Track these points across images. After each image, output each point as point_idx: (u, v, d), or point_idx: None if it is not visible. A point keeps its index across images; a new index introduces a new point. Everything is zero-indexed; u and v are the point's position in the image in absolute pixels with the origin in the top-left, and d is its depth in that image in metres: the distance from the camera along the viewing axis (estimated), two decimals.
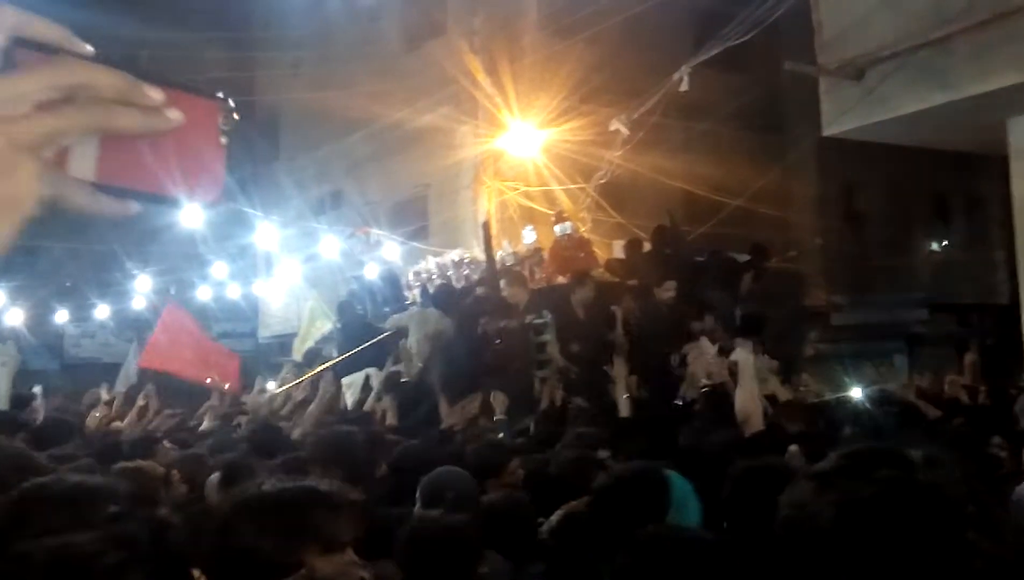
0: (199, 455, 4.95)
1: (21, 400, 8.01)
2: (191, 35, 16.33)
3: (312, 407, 6.99)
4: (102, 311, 17.43)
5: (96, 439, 6.76)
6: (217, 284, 16.10)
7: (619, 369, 6.12)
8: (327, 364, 9.24)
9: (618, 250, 12.26)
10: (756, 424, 3.23)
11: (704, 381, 5.54)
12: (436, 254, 12.61)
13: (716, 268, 10.21)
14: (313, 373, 9.03)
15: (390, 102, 14.08)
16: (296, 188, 17.09)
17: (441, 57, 13.76)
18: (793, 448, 3.85)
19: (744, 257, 10.98)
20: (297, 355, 12.41)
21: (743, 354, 3.67)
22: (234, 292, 16.52)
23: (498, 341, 8.08)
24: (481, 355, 7.99)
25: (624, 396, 5.98)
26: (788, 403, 5.69)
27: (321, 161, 17.28)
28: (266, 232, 13.64)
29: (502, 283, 9.30)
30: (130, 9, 15.85)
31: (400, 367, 8.35)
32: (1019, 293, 10.02)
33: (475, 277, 10.71)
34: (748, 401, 3.29)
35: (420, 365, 8.35)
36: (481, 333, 8.26)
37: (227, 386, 9.62)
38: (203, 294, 16.48)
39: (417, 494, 3.36)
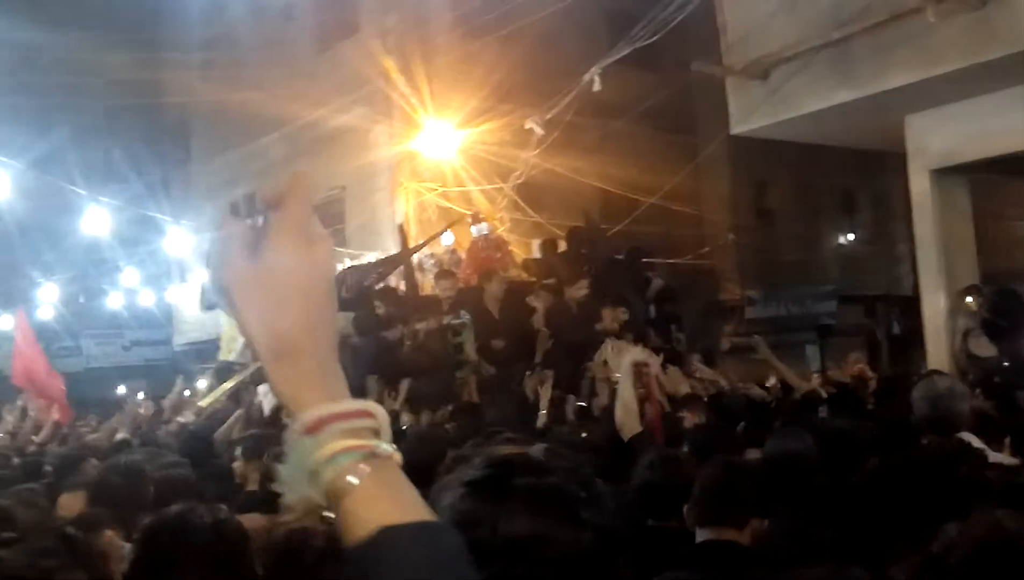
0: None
1: None
2: (94, 36, 15.83)
3: (237, 415, 6.91)
4: (5, 321, 16.79)
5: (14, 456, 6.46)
6: (128, 291, 15.66)
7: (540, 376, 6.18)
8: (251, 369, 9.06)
9: (537, 249, 12.33)
10: (632, 429, 3.30)
11: (615, 376, 5.62)
12: (353, 258, 12.48)
13: (630, 266, 10.35)
14: (232, 384, 8.82)
15: (303, 103, 13.88)
16: (209, 192, 16.73)
17: (355, 57, 13.63)
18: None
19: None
20: (225, 355, 12.10)
21: (625, 358, 3.74)
22: (147, 299, 16.09)
23: (412, 342, 8.04)
24: (392, 356, 7.94)
25: (545, 404, 6.06)
26: (688, 397, 5.82)
27: (234, 164, 16.93)
28: (178, 237, 13.32)
29: (435, 280, 9.29)
30: (29, 10, 15.32)
31: None
32: (919, 284, 10.40)
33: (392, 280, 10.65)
34: (620, 408, 3.36)
35: None
36: (397, 335, 8.22)
37: (56, 415, 9.07)
38: (114, 301, 16.02)
39: None
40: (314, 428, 0.89)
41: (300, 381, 0.91)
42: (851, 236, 17.53)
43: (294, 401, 0.91)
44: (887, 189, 17.24)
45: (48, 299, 15.96)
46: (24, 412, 9.35)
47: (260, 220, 0.96)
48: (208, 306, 11.15)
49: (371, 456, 0.89)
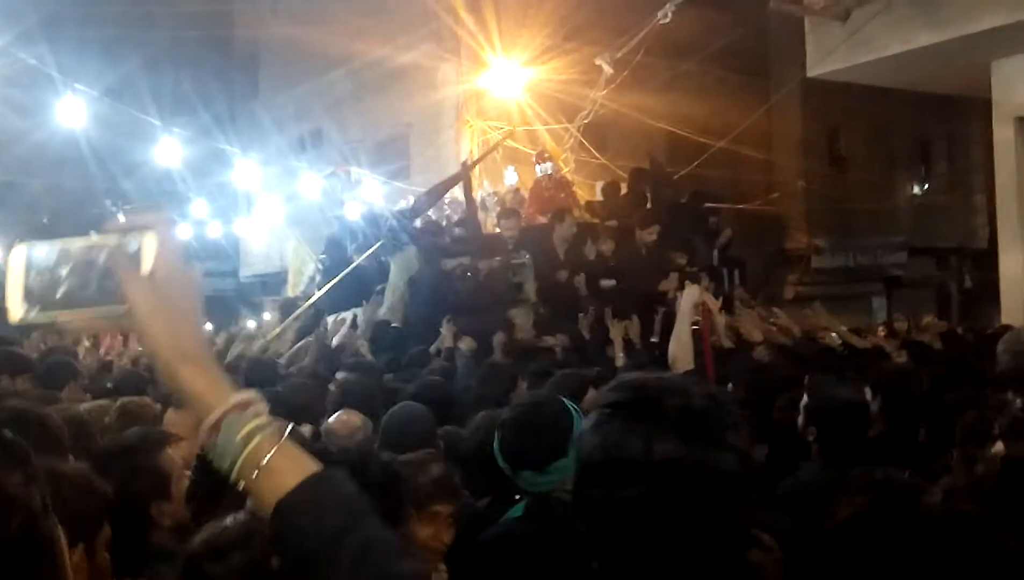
0: None
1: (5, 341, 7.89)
2: None
3: (306, 342, 7.02)
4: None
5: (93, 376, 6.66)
6: (197, 222, 15.94)
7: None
8: (313, 299, 9.18)
9: (599, 192, 12.22)
10: (684, 365, 3.28)
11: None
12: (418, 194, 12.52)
13: (692, 210, 10.21)
14: (299, 312, 8.95)
15: (370, 39, 13.84)
16: (275, 126, 16.85)
17: None
18: None
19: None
20: (292, 291, 12.30)
21: (686, 294, 3.69)
22: (214, 231, 16.38)
23: (472, 278, 8.02)
24: (455, 293, 7.95)
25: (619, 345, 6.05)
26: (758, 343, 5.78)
27: (301, 99, 17.01)
28: (246, 170, 13.47)
29: (498, 219, 9.25)
30: None
31: (381, 310, 8.32)
32: (996, 237, 10.11)
33: (455, 217, 10.63)
34: (674, 343, 3.34)
35: (400, 306, 8.33)
36: (459, 272, 8.22)
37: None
38: (183, 232, 16.34)
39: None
40: (227, 415, 1.11)
41: (207, 379, 1.12)
42: (925, 186, 17.03)
43: (205, 396, 1.11)
44: (964, 137, 16.67)
45: None
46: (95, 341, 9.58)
47: (135, 243, 1.08)
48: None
49: (277, 431, 1.13)
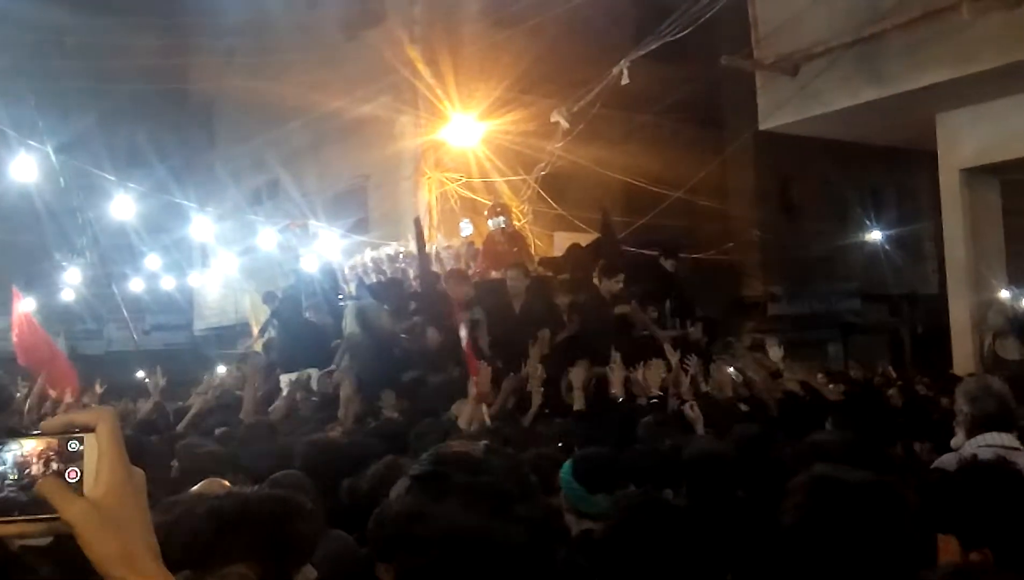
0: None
1: None
2: (120, 21, 15.87)
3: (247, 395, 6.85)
4: (28, 304, 16.89)
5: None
6: (150, 276, 15.72)
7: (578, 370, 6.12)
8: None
9: (559, 241, 12.24)
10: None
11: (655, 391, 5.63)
12: (376, 247, 12.47)
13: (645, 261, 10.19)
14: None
15: (328, 91, 13.87)
16: (232, 178, 16.78)
17: (380, 46, 13.59)
18: None
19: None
20: (257, 344, 12.10)
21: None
22: (168, 284, 16.16)
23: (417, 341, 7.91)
24: (407, 352, 7.84)
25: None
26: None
27: (257, 151, 16.94)
28: (201, 224, 13.35)
29: (446, 282, 9.07)
30: None
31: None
32: (946, 283, 10.30)
33: (411, 271, 10.56)
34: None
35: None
36: (414, 330, 8.12)
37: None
38: (135, 286, 16.10)
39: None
40: None
41: None
42: (877, 234, 17.35)
43: None
44: (914, 187, 17.05)
45: (71, 282, 16.06)
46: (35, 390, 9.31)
47: (75, 444, 1.01)
48: None
49: None
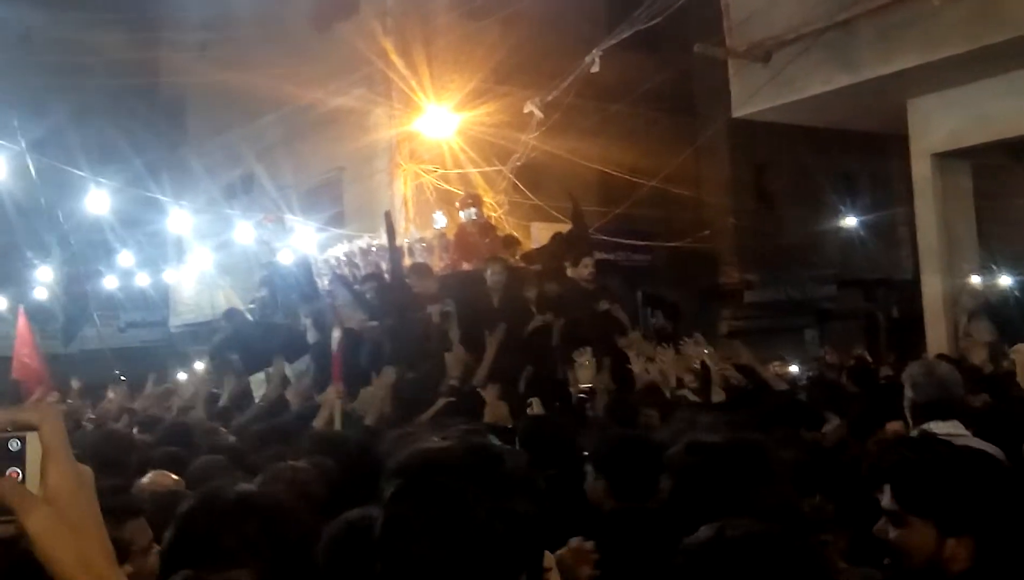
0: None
1: None
2: (90, 16, 15.69)
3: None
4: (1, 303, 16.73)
5: None
6: (124, 272, 15.58)
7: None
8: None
9: (535, 232, 12.25)
10: None
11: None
12: (351, 240, 12.41)
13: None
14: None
15: (301, 84, 13.78)
16: (206, 173, 16.61)
17: (354, 38, 13.52)
18: None
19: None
20: None
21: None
22: (143, 280, 16.02)
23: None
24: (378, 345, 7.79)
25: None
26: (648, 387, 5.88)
27: (231, 145, 16.80)
28: (177, 218, 13.22)
29: (409, 276, 8.95)
30: None
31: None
32: (920, 268, 10.39)
33: (383, 265, 10.50)
34: None
35: None
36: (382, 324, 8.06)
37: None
38: (109, 283, 15.95)
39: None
40: None
41: None
42: (851, 220, 17.46)
43: None
44: (888, 172, 17.15)
45: (43, 280, 15.89)
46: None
47: (16, 443, 0.97)
48: None
49: None
